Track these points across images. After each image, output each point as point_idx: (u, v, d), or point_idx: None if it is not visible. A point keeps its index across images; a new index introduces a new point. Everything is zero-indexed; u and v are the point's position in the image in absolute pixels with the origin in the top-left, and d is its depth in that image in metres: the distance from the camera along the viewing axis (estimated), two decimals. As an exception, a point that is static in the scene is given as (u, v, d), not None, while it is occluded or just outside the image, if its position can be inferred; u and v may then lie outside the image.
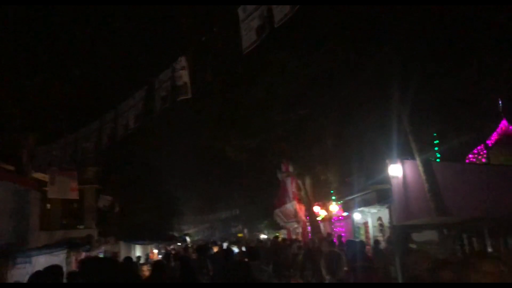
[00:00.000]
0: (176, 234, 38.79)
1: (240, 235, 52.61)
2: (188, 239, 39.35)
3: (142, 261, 19.77)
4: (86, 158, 19.10)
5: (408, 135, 11.07)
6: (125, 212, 20.77)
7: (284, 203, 25.52)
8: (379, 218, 13.30)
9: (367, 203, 12.28)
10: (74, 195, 17.45)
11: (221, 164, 41.72)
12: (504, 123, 15.73)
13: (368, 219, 14.13)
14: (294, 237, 27.82)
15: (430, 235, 7.36)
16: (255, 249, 10.13)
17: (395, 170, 11.36)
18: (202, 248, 10.14)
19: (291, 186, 23.99)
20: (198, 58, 6.15)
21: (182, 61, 6.32)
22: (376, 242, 11.82)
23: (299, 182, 19.69)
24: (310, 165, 14.89)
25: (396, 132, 11.58)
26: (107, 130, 8.37)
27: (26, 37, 15.62)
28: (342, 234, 17.66)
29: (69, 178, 16.71)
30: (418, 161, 10.83)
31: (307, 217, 22.92)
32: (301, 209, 22.50)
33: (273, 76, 10.50)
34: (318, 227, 18.91)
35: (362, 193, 12.30)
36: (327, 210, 22.05)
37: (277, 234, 35.19)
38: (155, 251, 22.60)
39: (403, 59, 10.46)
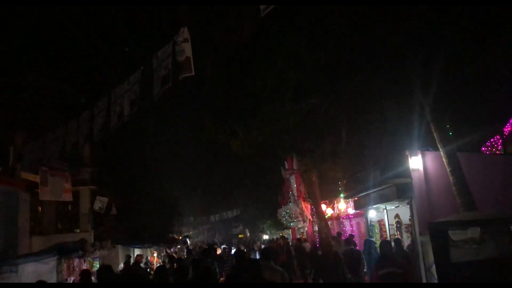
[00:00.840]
0: (176, 236, 37.88)
1: (240, 236, 51.73)
2: (188, 241, 38.39)
3: (142, 265, 18.80)
4: (78, 153, 18.24)
5: (430, 124, 10.14)
6: (122, 215, 19.78)
7: (288, 202, 24.58)
8: (397, 215, 12.35)
9: (384, 198, 11.29)
10: (68, 197, 16.47)
11: (222, 164, 40.83)
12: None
13: (383, 216, 13.18)
14: (298, 236, 26.92)
15: (469, 233, 6.41)
16: (268, 250, 9.39)
17: (416, 163, 10.41)
18: (206, 251, 9.26)
19: (295, 184, 23.05)
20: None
21: (185, 33, 5.38)
22: (398, 241, 10.89)
23: (305, 179, 18.74)
24: (318, 160, 13.91)
25: (417, 122, 10.65)
26: (99, 120, 7.40)
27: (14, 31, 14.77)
28: (353, 234, 16.72)
29: (62, 179, 15.77)
30: (441, 152, 9.88)
31: (313, 216, 22.07)
32: (306, 208, 21.57)
33: (283, 62, 9.56)
34: (327, 226, 17.96)
35: (379, 188, 11.31)
36: (333, 208, 21.13)
37: (281, 234, 34.30)
38: (155, 254, 21.59)
39: (424, 42, 9.54)
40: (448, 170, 9.79)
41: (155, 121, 26.06)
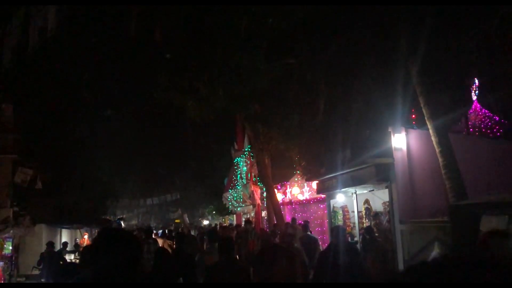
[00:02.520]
0: (110, 218, 35.13)
1: (177, 221, 49.58)
2: (123, 224, 35.79)
3: (69, 248, 16.54)
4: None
5: (418, 97, 8.94)
6: (49, 190, 17.28)
7: (236, 185, 23.04)
8: (366, 201, 11.19)
9: (358, 181, 10.04)
10: None
11: (164, 144, 38.48)
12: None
13: (350, 202, 12.00)
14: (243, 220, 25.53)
15: (495, 222, 5.16)
16: (212, 233, 8.83)
17: (399, 141, 9.22)
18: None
19: (245, 166, 21.55)
20: None
21: None
22: (369, 230, 9.67)
23: (259, 160, 17.25)
24: (284, 135, 12.38)
25: (401, 95, 9.43)
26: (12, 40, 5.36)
27: None
28: (308, 220, 15.53)
29: None
30: (430, 130, 8.73)
31: (262, 201, 20.71)
32: (256, 192, 20.17)
33: (258, 7, 7.91)
34: (280, 211, 16.62)
35: (354, 168, 10.04)
36: (285, 193, 19.89)
37: (223, 219, 32.78)
38: (86, 236, 19.28)
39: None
40: (437, 150, 8.65)
41: (93, 86, 23.31)
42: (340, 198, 11.86)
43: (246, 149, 21.46)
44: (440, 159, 8.57)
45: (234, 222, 27.44)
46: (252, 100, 10.53)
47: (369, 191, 10.76)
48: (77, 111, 24.07)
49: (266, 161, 17.12)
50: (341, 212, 12.63)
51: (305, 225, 11.95)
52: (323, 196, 15.35)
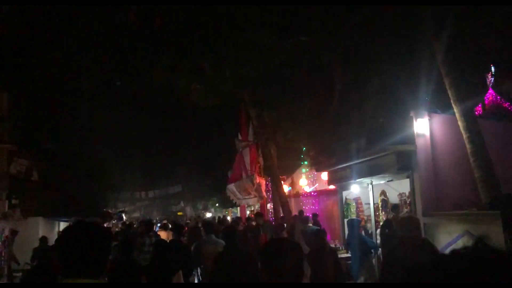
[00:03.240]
0: (111, 211, 34.48)
1: (179, 213, 49.00)
2: (124, 216, 35.17)
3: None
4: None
5: (443, 78, 8.18)
6: (46, 182, 16.57)
7: (240, 177, 22.30)
8: (383, 193, 10.46)
9: (376, 170, 9.30)
10: None
11: (167, 135, 37.77)
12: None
13: (365, 193, 11.26)
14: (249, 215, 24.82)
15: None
16: (209, 224, 8.30)
17: (422, 127, 8.46)
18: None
19: (250, 157, 20.81)
20: None
21: None
22: (388, 223, 8.96)
23: (264, 151, 16.51)
24: (293, 122, 11.62)
25: (424, 75, 8.67)
26: None
27: None
28: (316, 213, 14.83)
29: None
30: (457, 115, 7.98)
31: (267, 193, 20.01)
32: (261, 184, 19.45)
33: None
34: (287, 204, 15.93)
35: (372, 156, 9.29)
36: (292, 185, 19.18)
37: (227, 212, 32.13)
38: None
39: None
40: (465, 136, 7.91)
41: (93, 74, 22.59)
42: (355, 189, 11.10)
43: (250, 140, 20.71)
44: (468, 146, 7.84)
45: (238, 215, 26.77)
46: (261, 84, 9.75)
47: (387, 181, 10.02)
48: (76, 100, 23.39)
49: (272, 151, 16.41)
50: (354, 204, 11.90)
51: (305, 218, 11.59)
52: (333, 187, 14.63)
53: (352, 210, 11.92)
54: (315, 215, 14.70)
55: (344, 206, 12.14)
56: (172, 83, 9.80)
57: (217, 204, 34.55)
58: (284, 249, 2.41)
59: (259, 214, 11.88)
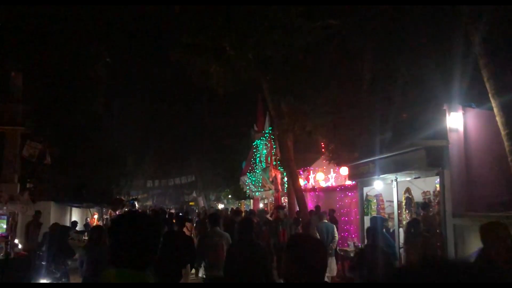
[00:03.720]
0: (124, 198, 34.39)
1: (191, 203, 48.80)
2: (137, 204, 35.06)
3: (79, 227, 15.66)
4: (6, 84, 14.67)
5: (481, 69, 7.58)
6: (59, 167, 16.35)
7: (254, 169, 21.89)
8: (407, 190, 9.90)
9: (402, 166, 8.75)
10: None
11: (181, 125, 37.51)
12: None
13: (386, 191, 10.72)
14: (262, 208, 24.42)
15: None
16: (215, 216, 7.96)
17: (456, 121, 7.89)
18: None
19: (266, 149, 20.36)
20: None
21: None
22: (415, 223, 8.45)
23: (281, 143, 16.00)
24: (307, 116, 11.06)
25: (460, 67, 8.07)
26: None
27: None
28: (333, 209, 14.33)
29: None
30: (496, 109, 7.38)
31: (281, 187, 19.55)
32: (277, 177, 19.00)
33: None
34: (303, 198, 15.43)
35: (398, 152, 8.74)
36: (307, 179, 18.67)
37: (239, 204, 31.75)
38: (96, 216, 18.38)
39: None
40: (503, 132, 7.33)
41: (110, 58, 22.29)
42: (378, 186, 10.54)
43: (267, 131, 20.24)
44: (506, 143, 7.26)
45: (251, 207, 26.39)
46: (283, 69, 9.23)
47: (414, 178, 9.46)
48: (93, 85, 23.17)
49: (289, 143, 15.91)
50: (375, 201, 11.36)
51: (321, 214, 11.31)
52: (351, 183, 14.10)
53: (373, 207, 11.39)
54: (331, 211, 14.21)
55: (365, 202, 11.61)
56: (191, 63, 9.30)
57: (229, 196, 34.18)
58: (312, 245, 2.40)
59: (280, 208, 11.32)
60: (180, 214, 20.29)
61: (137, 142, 38.25)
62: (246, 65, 8.65)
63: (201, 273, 7.27)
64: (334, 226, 10.69)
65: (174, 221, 9.77)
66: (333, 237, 10.18)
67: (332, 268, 10.03)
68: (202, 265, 6.90)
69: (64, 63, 18.78)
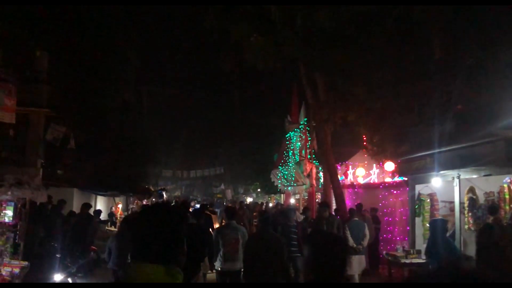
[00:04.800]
0: (152, 188, 33.83)
1: (219, 195, 48.10)
2: (164, 194, 34.46)
3: (102, 217, 14.93)
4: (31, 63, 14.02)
5: None
6: (84, 152, 15.60)
7: (287, 162, 20.73)
8: (471, 190, 8.56)
9: (470, 161, 7.44)
10: (9, 118, 12.49)
11: (211, 114, 36.63)
12: None
13: (443, 190, 9.39)
14: (293, 203, 23.27)
15: None
16: (231, 210, 8.09)
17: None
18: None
19: (300, 141, 19.14)
20: None
21: None
22: (487, 229, 7.11)
23: (319, 134, 14.79)
24: (357, 99, 9.78)
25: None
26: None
27: None
28: (376, 208, 13.06)
29: (3, 92, 11.85)
30: None
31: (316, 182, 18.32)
32: (312, 171, 17.77)
33: None
34: (342, 195, 14.20)
35: (466, 144, 7.41)
36: (345, 174, 17.34)
37: (269, 198, 30.68)
38: (120, 206, 17.63)
39: None
40: None
41: (140, 41, 21.54)
42: (436, 183, 9.18)
43: (301, 122, 19.01)
44: None
45: (282, 202, 25.25)
46: (333, 43, 7.98)
47: (483, 175, 8.09)
48: (121, 70, 22.50)
49: (327, 135, 14.68)
50: (428, 200, 10.00)
51: (351, 211, 10.78)
52: (397, 179, 12.78)
53: (425, 207, 10.04)
54: (373, 210, 12.96)
55: (416, 202, 10.28)
56: (226, 29, 8.19)
57: (258, 190, 33.13)
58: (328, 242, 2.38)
59: (325, 205, 10.10)
60: (198, 206, 19.33)
61: (167, 131, 37.64)
62: (292, 36, 7.46)
63: (216, 266, 7.19)
64: (365, 224, 9.82)
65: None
66: (364, 235, 9.45)
67: (361, 266, 9.51)
68: (218, 258, 6.93)
69: (94, 46, 18.08)
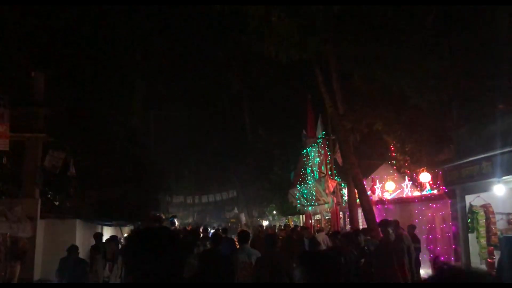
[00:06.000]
0: (163, 215, 32.45)
1: (232, 220, 46.56)
2: (176, 222, 33.05)
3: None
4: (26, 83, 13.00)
5: None
6: (86, 179, 14.39)
7: (305, 179, 19.33)
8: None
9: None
10: (3, 144, 11.50)
11: (221, 136, 35.47)
12: None
13: (496, 200, 7.98)
14: (314, 224, 21.78)
15: None
16: (243, 234, 7.82)
17: None
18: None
19: (319, 157, 17.79)
20: None
21: None
22: None
23: (344, 145, 13.43)
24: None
25: None
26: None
27: None
28: (414, 224, 11.57)
29: None
30: None
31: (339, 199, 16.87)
32: (333, 187, 16.34)
33: None
34: (371, 212, 12.75)
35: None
36: (372, 189, 15.90)
37: (287, 220, 29.11)
38: (126, 234, 16.29)
39: None
40: None
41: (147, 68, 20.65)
42: (498, 190, 7.70)
43: (319, 136, 17.69)
44: None
45: (300, 224, 23.71)
46: (374, 28, 6.73)
47: None
48: (126, 92, 21.56)
49: (351, 146, 13.35)
50: (482, 213, 8.53)
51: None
52: (436, 191, 11.34)
53: (479, 221, 8.56)
54: (411, 227, 11.46)
55: (468, 216, 8.81)
56: (244, 7, 7.00)
57: (274, 212, 31.60)
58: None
59: (358, 232, 8.52)
60: (213, 231, 17.98)
61: (177, 157, 36.51)
62: (319, 16, 6.23)
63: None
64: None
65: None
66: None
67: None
68: None
69: (96, 67, 17.13)
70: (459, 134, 8.34)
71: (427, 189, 12.22)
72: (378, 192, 14.74)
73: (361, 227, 15.86)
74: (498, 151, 6.91)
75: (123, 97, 21.02)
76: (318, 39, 7.36)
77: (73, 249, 8.57)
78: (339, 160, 15.84)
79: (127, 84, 22.13)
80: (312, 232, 16.87)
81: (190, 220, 52.62)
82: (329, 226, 18.90)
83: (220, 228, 23.28)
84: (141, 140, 23.08)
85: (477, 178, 7.91)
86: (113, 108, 18.24)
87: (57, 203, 14.83)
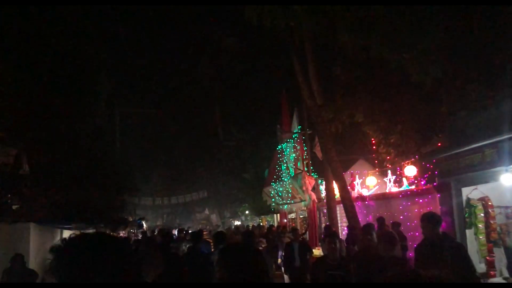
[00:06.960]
0: (131, 218, 30.95)
1: (203, 222, 45.43)
2: (144, 224, 31.61)
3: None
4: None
5: None
6: (43, 178, 13.06)
7: (280, 177, 18.50)
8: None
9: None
10: None
11: (189, 135, 34.33)
12: None
13: (494, 193, 7.32)
14: (289, 223, 20.98)
15: None
16: (220, 235, 8.11)
17: None
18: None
19: (295, 153, 16.99)
20: None
21: None
22: None
23: (322, 140, 12.63)
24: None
25: None
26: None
27: None
28: (399, 222, 10.91)
29: None
30: None
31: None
32: (310, 184, 15.56)
33: None
34: (353, 209, 11.99)
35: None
36: (351, 185, 15.19)
37: (260, 220, 28.23)
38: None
39: None
40: None
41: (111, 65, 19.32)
42: (506, 180, 6.95)
43: (295, 131, 16.88)
44: None
45: (275, 223, 22.88)
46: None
47: None
48: (89, 88, 20.14)
49: (331, 139, 12.57)
50: (480, 207, 7.84)
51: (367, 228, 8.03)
52: (423, 186, 10.67)
53: (478, 216, 7.88)
54: (396, 225, 10.79)
55: (465, 210, 8.12)
56: None
57: (246, 212, 30.69)
58: None
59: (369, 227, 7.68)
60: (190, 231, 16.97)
61: (144, 156, 35.08)
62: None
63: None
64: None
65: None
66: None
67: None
68: None
69: (56, 61, 15.74)
70: (456, 119, 7.65)
71: (404, 185, 11.57)
72: (358, 188, 14.03)
73: (340, 225, 15.19)
74: (505, 136, 6.20)
75: (86, 93, 19.62)
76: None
77: (18, 258, 7.38)
78: (319, 154, 15.09)
79: (91, 79, 20.71)
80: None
81: (159, 222, 51.05)
82: (305, 225, 18.12)
83: (197, 230, 22.25)
84: (106, 138, 21.74)
85: (479, 168, 7.18)
86: (75, 104, 16.87)
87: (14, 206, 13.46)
